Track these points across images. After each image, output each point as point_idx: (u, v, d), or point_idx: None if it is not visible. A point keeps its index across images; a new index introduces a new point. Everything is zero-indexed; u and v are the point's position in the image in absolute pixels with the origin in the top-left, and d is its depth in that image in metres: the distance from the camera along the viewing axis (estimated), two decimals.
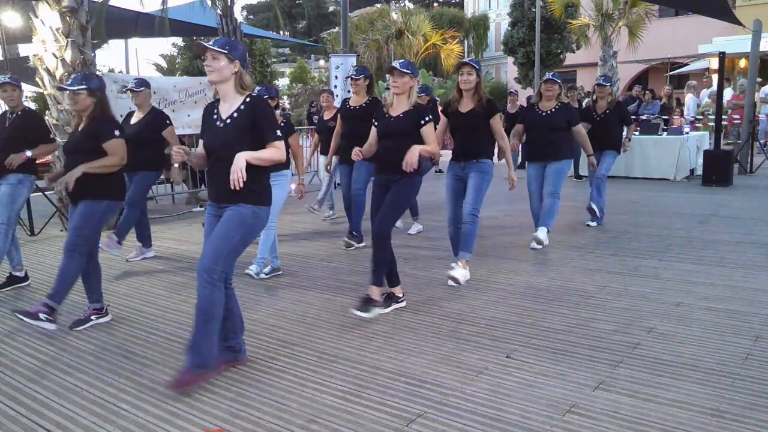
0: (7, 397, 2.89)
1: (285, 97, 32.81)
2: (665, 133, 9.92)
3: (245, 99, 2.94)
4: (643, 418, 2.51)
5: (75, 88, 3.65)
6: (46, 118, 7.02)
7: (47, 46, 6.76)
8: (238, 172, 2.78)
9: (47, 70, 6.81)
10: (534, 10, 20.62)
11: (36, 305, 3.61)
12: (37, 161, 4.75)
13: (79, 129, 3.76)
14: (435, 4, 44.82)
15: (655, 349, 3.20)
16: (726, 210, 7.07)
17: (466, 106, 4.45)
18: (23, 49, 14.28)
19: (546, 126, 5.38)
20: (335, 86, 10.42)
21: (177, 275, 5.07)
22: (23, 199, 4.65)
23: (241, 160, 2.81)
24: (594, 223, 6.39)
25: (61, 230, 7.00)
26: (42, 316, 3.53)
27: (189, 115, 8.30)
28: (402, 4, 39.72)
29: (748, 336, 3.33)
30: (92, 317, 3.86)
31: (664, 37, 20.98)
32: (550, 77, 5.44)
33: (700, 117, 12.76)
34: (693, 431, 2.41)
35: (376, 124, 4.02)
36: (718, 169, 8.90)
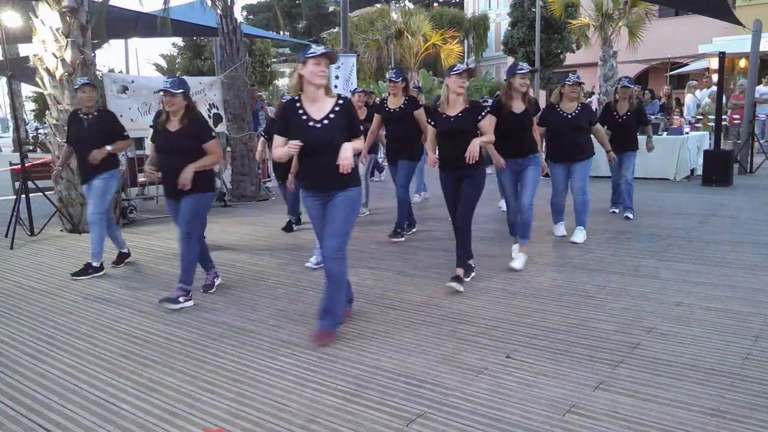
0: (7, 397, 2.89)
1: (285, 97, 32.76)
2: (665, 133, 9.92)
3: (338, 101, 3.35)
4: (643, 418, 2.51)
5: (176, 91, 4.02)
6: (46, 117, 7.02)
7: (47, 46, 6.76)
8: (348, 160, 3.23)
9: (47, 70, 6.81)
10: (534, 10, 20.62)
11: (173, 291, 4.19)
12: (39, 162, 4.82)
13: (173, 130, 4.12)
14: (435, 4, 44.80)
15: (655, 349, 3.20)
16: (726, 210, 7.06)
17: (518, 107, 4.83)
18: (23, 49, 14.31)
19: (571, 127, 5.52)
20: (335, 86, 10.41)
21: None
22: (114, 190, 5.25)
23: (350, 150, 3.25)
24: (617, 210, 6.81)
25: (61, 230, 7.00)
26: (181, 299, 4.15)
27: None
28: (402, 4, 39.68)
29: (748, 336, 3.33)
30: (215, 280, 4.59)
31: (664, 37, 20.97)
32: (576, 79, 5.57)
33: (700, 117, 12.75)
34: (693, 431, 2.41)
35: (433, 123, 4.41)
36: (718, 169, 8.89)
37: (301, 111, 3.31)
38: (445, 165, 4.37)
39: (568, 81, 5.53)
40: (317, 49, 3.27)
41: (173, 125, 4.12)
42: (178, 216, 4.21)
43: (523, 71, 4.74)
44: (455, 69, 4.23)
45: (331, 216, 3.37)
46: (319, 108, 3.31)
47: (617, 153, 6.39)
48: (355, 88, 9.00)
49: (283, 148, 3.32)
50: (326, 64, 3.26)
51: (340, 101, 3.35)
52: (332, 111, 3.32)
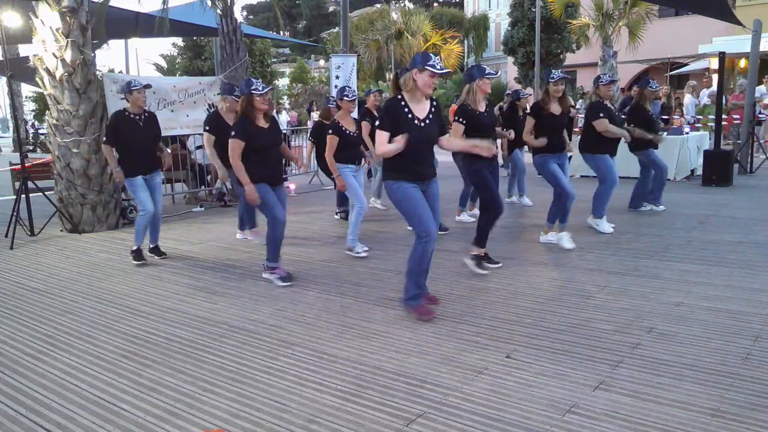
0: (7, 397, 2.89)
1: (285, 97, 32.82)
2: (665, 133, 9.92)
3: (432, 104, 3.76)
4: (643, 418, 2.51)
5: (268, 89, 4.46)
6: (46, 118, 7.02)
7: (47, 46, 6.76)
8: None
9: (47, 70, 6.81)
10: (534, 10, 20.62)
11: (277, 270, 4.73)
12: (39, 162, 4.85)
13: (266, 126, 4.51)
14: (435, 4, 44.85)
15: (655, 349, 3.20)
16: (726, 210, 7.07)
17: (556, 109, 5.37)
18: (23, 49, 14.32)
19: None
20: (336, 86, 10.40)
21: (177, 275, 5.07)
22: None
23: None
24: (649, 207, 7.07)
25: (61, 230, 7.00)
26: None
27: (188, 115, 8.29)
28: (402, 4, 39.67)
29: (748, 336, 3.33)
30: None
31: (664, 37, 20.97)
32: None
33: (700, 117, 12.75)
34: (693, 431, 2.41)
35: (463, 121, 4.63)
36: (718, 169, 8.89)
37: (408, 111, 3.63)
38: (485, 157, 4.55)
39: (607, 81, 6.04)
40: (436, 60, 3.60)
41: (262, 123, 4.50)
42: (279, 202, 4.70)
43: (555, 78, 5.23)
44: (487, 73, 4.57)
45: (432, 205, 3.80)
46: (422, 108, 3.69)
47: (651, 148, 6.92)
48: (370, 90, 9.04)
49: (393, 144, 3.57)
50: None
51: (434, 103, 3.79)
52: (431, 112, 3.73)
